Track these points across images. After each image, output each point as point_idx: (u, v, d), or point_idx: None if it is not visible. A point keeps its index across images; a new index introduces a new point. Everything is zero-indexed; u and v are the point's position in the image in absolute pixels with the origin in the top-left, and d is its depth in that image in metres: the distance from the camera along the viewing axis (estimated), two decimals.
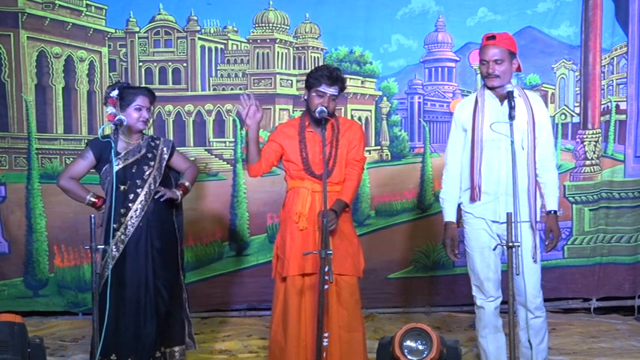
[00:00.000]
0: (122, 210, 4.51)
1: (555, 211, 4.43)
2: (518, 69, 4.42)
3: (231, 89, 6.48)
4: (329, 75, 4.45)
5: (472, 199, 4.37)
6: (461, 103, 4.64)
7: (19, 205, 6.34)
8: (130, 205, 4.55)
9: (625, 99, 6.47)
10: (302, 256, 4.42)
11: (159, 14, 6.44)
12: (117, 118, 4.51)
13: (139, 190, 4.58)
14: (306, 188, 4.54)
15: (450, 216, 4.50)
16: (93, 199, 4.64)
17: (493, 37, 4.31)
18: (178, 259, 4.78)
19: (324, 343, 4.29)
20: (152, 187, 4.63)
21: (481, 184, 4.33)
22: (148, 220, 4.59)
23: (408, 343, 3.89)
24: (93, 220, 4.02)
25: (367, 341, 4.65)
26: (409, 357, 3.86)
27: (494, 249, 4.26)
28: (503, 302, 4.36)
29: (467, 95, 5.78)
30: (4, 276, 6.38)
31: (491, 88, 4.34)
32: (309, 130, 4.54)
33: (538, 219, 4.41)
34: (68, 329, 6.12)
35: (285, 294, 4.53)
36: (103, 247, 4.23)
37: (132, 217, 4.55)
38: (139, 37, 6.41)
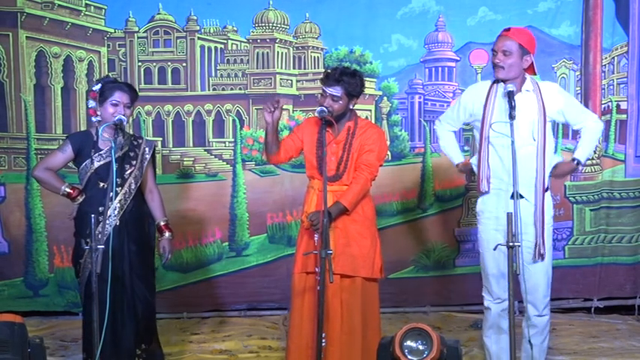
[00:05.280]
0: (100, 208, 4.42)
1: (579, 162, 4.34)
2: (533, 71, 4.37)
3: (231, 89, 6.46)
4: (328, 74, 4.44)
5: (480, 191, 4.36)
6: (475, 88, 4.59)
7: (19, 206, 6.32)
8: (109, 203, 4.49)
9: (625, 99, 6.47)
10: (303, 255, 4.43)
11: (158, 14, 6.42)
12: (117, 118, 4.47)
13: (118, 189, 4.52)
14: (313, 188, 4.55)
15: (457, 158, 4.54)
16: (68, 190, 4.57)
17: (508, 29, 4.30)
18: (153, 261, 4.77)
19: (323, 344, 4.28)
20: (132, 187, 4.59)
21: (490, 176, 4.31)
22: (125, 220, 4.56)
23: (408, 343, 3.87)
24: (93, 220, 4.01)
25: None
26: (409, 357, 3.84)
27: (494, 249, 4.24)
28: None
29: None
30: (4, 276, 6.36)
31: (503, 81, 4.29)
32: (328, 130, 4.50)
33: (551, 213, 4.38)
34: (68, 329, 6.10)
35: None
36: (102, 247, 4.16)
37: (110, 215, 4.50)
38: (138, 37, 6.39)
